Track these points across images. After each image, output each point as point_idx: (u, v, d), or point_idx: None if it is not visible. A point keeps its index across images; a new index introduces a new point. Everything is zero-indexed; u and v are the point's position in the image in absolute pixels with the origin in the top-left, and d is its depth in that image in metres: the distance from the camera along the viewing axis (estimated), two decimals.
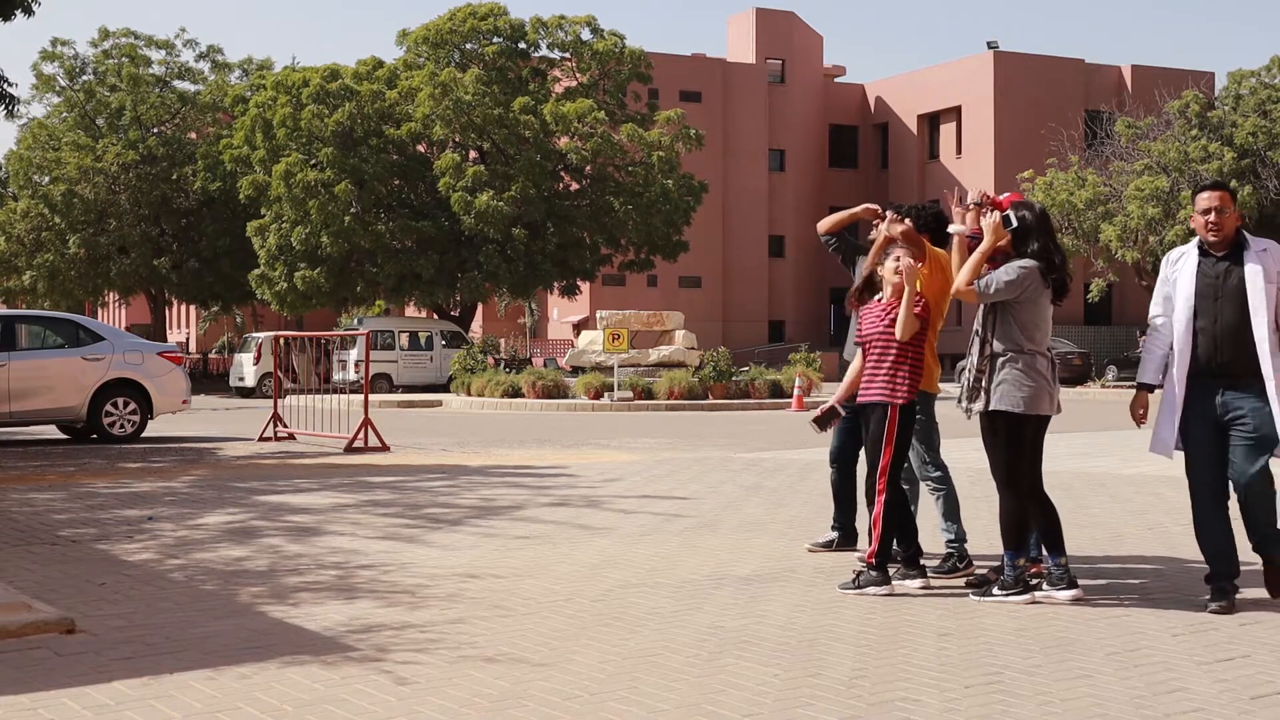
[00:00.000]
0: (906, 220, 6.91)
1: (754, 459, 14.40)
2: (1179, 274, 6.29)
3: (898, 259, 6.71)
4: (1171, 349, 6.33)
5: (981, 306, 6.44)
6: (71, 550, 7.99)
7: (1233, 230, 6.22)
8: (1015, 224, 6.33)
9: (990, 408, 6.33)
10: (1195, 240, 6.37)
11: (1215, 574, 6.21)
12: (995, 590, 6.36)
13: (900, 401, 6.66)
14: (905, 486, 7.12)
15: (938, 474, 7.09)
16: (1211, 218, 6.21)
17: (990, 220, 6.35)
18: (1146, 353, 6.45)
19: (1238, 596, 6.44)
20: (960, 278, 6.38)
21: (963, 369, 6.64)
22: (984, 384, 6.35)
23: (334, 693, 4.72)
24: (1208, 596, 6.19)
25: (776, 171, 59.90)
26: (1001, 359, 6.32)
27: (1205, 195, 6.27)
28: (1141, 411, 6.44)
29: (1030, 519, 6.40)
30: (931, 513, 7.37)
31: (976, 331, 6.46)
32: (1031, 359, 6.30)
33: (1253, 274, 6.12)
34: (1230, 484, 6.21)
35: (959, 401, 6.57)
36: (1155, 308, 6.42)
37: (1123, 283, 48.62)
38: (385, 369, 37.44)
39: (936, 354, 7.10)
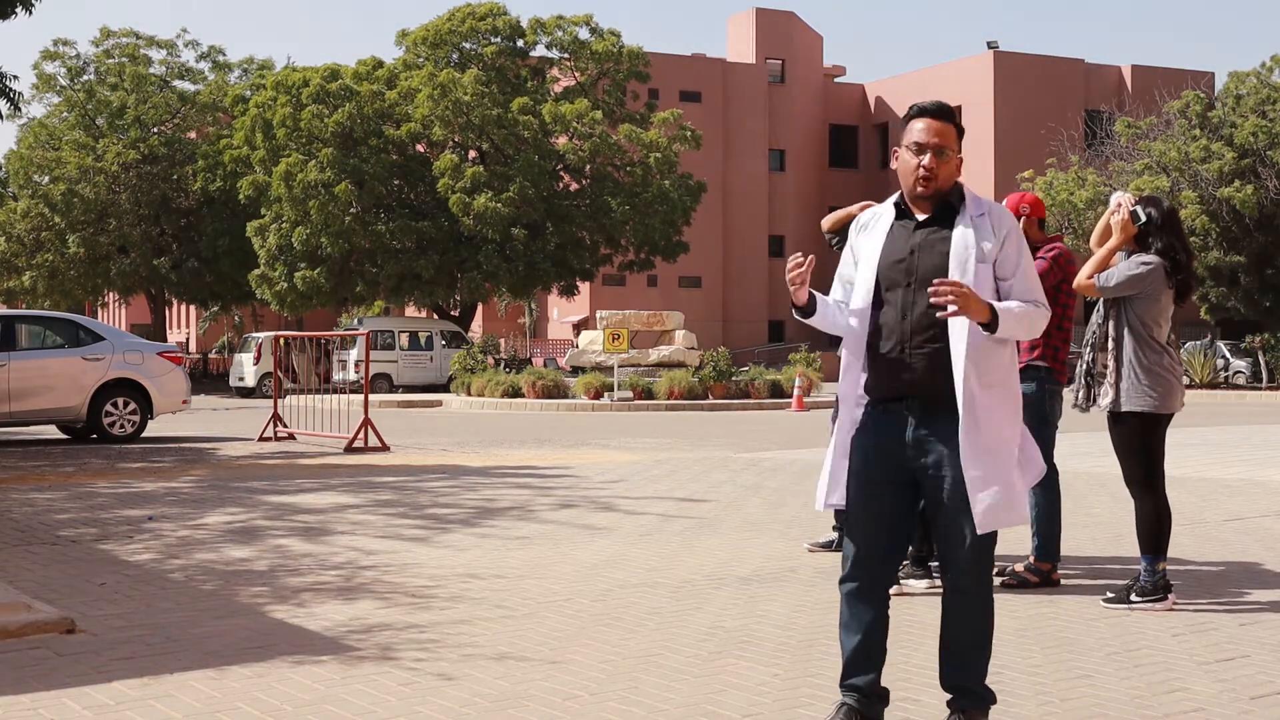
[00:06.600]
0: None
1: (754, 459, 14.40)
2: (865, 246, 4.22)
3: None
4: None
5: (1102, 303, 6.27)
6: (71, 550, 7.99)
7: (950, 184, 4.12)
8: (1144, 219, 6.15)
9: (1124, 409, 6.13)
10: (893, 197, 4.30)
11: (846, 681, 4.17)
12: (1134, 597, 6.16)
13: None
14: None
15: None
16: (926, 160, 4.08)
17: (1120, 218, 6.15)
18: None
19: (1238, 597, 6.43)
20: (1082, 272, 6.24)
21: (1078, 366, 6.42)
22: (1113, 381, 6.16)
23: (335, 693, 4.72)
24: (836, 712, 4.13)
25: (776, 171, 59.95)
26: (1129, 356, 6.13)
27: (921, 125, 4.14)
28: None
29: (1166, 521, 6.22)
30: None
31: (1097, 326, 6.28)
32: (1159, 356, 6.11)
33: (960, 245, 4.04)
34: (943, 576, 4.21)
35: (1076, 398, 6.36)
36: (834, 292, 4.30)
37: None
38: (385, 369, 37.43)
39: None
